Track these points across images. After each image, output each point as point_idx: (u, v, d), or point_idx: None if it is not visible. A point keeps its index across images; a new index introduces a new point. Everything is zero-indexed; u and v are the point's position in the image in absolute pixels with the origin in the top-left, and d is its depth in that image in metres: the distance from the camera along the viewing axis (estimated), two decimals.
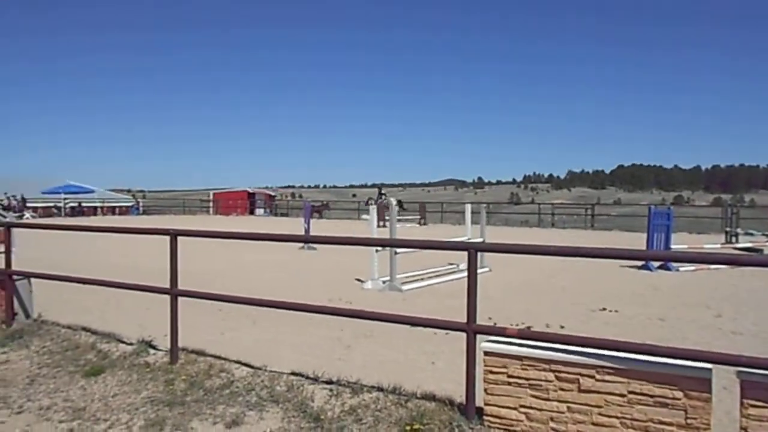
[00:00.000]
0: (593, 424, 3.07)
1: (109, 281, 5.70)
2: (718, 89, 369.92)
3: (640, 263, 11.23)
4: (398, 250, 8.88)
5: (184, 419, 3.65)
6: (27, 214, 32.22)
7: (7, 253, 5.96)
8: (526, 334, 3.53)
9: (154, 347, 5.10)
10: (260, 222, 30.08)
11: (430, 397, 3.79)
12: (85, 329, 5.75)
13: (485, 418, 3.36)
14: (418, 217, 26.93)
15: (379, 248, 9.10)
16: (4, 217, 22.49)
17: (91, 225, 17.44)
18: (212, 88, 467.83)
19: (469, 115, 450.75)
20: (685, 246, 12.63)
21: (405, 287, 8.75)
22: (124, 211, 42.25)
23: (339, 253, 12.63)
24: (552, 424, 3.17)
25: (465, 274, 3.67)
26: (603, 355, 3.09)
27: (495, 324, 5.28)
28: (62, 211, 36.60)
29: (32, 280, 6.19)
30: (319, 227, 19.64)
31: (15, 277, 6.01)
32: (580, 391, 3.11)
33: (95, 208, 40.61)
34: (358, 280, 9.43)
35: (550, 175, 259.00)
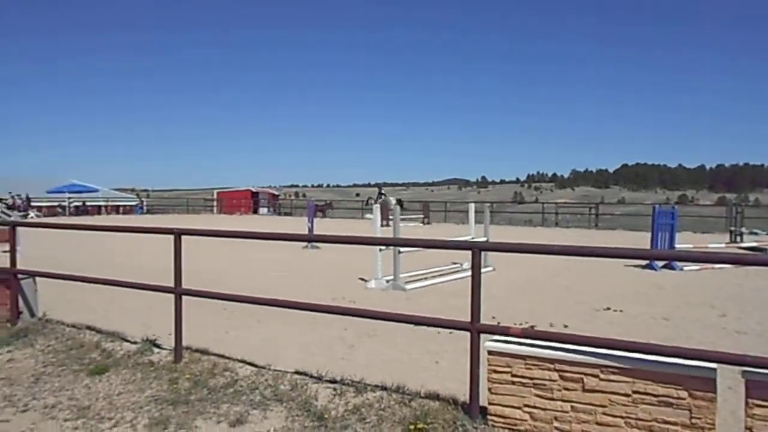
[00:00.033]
0: (597, 423, 3.06)
1: (114, 280, 5.72)
2: (718, 89, 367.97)
3: (644, 262, 11.19)
4: (402, 249, 8.89)
5: (188, 418, 3.67)
6: (31, 213, 32.39)
7: (12, 252, 5.99)
8: (530, 334, 3.53)
9: (158, 346, 5.11)
10: (264, 221, 30.15)
11: (434, 397, 3.79)
12: (89, 328, 5.77)
13: (489, 417, 3.36)
14: (422, 216, 26.95)
15: (383, 247, 9.10)
16: (9, 216, 22.57)
17: (95, 224, 17.50)
18: (212, 88, 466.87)
19: (469, 115, 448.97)
20: (690, 245, 12.60)
21: (408, 286, 8.75)
22: (128, 210, 42.47)
23: (342, 252, 12.65)
24: (556, 424, 3.16)
25: (469, 273, 3.66)
26: (607, 355, 3.08)
27: (499, 323, 5.28)
28: (66, 211, 36.75)
29: (37, 279, 6.23)
30: (323, 226, 19.65)
31: (20, 276, 6.04)
32: (585, 390, 3.10)
33: (99, 207, 40.85)
34: (362, 279, 9.43)
35: (554, 175, 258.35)
